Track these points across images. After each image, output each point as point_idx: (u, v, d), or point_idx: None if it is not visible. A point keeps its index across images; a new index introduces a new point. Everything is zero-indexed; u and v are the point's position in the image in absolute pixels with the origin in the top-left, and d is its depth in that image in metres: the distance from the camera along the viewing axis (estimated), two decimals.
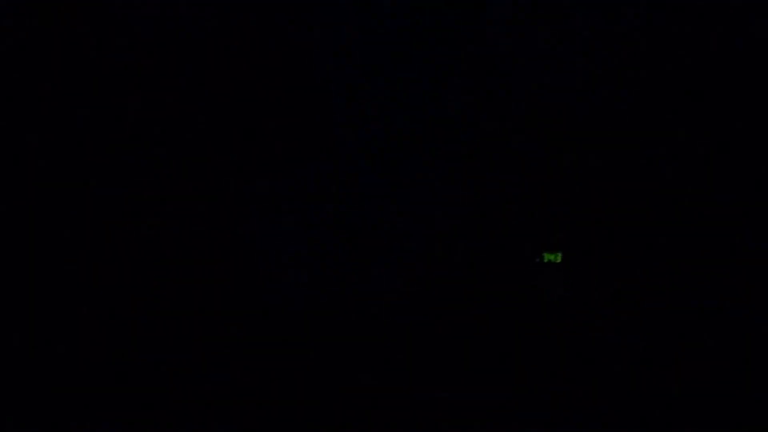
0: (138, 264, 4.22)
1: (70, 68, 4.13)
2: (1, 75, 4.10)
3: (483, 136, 4.11)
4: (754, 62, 4.10)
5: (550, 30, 4.22)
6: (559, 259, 3.99)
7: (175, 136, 4.38)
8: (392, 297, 4.18)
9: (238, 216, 4.49)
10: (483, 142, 4.09)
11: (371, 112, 4.46)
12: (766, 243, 4.07)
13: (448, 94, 4.16)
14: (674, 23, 4.08)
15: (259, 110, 4.52)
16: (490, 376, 3.94)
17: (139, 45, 4.25)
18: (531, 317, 4.04)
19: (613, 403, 3.77)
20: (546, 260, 3.99)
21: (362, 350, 4.09)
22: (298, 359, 4.08)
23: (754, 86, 4.11)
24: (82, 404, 3.80)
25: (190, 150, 4.37)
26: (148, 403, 3.84)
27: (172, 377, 3.98)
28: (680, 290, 4.05)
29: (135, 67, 4.24)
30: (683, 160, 4.06)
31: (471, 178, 4.09)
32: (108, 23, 4.21)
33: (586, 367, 3.95)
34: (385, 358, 4.06)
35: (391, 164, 4.29)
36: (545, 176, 4.06)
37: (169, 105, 4.31)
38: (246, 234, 4.45)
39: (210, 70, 4.40)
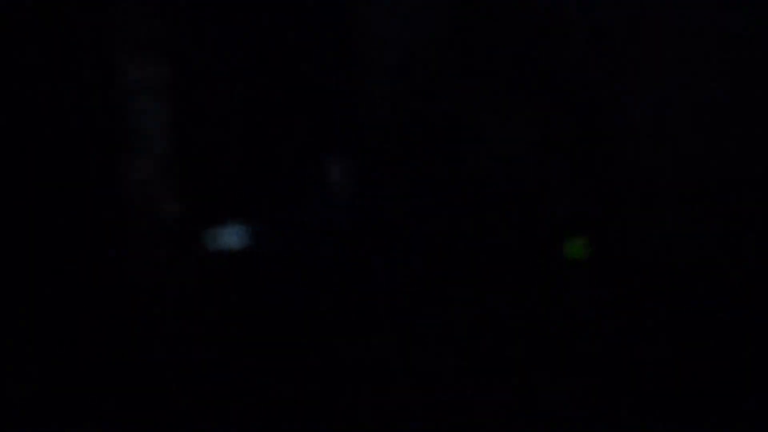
0: (136, 263, 4.20)
1: (67, 65, 4.11)
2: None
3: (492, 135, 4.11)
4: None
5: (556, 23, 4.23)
6: (585, 256, 3.90)
7: (176, 134, 4.37)
8: (393, 297, 4.18)
9: (236, 215, 4.48)
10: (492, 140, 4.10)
11: (371, 110, 4.46)
12: None
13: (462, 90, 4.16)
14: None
15: (259, 109, 4.52)
16: (494, 376, 3.92)
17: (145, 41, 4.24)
18: (544, 316, 4.02)
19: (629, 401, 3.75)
20: (572, 257, 3.91)
21: (362, 350, 4.09)
22: (298, 359, 4.07)
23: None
24: (82, 404, 3.79)
25: (187, 149, 4.36)
26: (148, 403, 3.82)
27: (172, 377, 3.97)
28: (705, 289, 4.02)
29: (142, 63, 4.23)
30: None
31: (475, 173, 4.08)
32: (111, 20, 4.21)
33: (598, 367, 3.93)
34: (385, 358, 4.06)
35: (393, 160, 4.29)
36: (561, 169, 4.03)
37: (174, 103, 4.30)
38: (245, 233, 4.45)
39: (216, 67, 4.40)
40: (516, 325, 4.12)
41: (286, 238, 4.33)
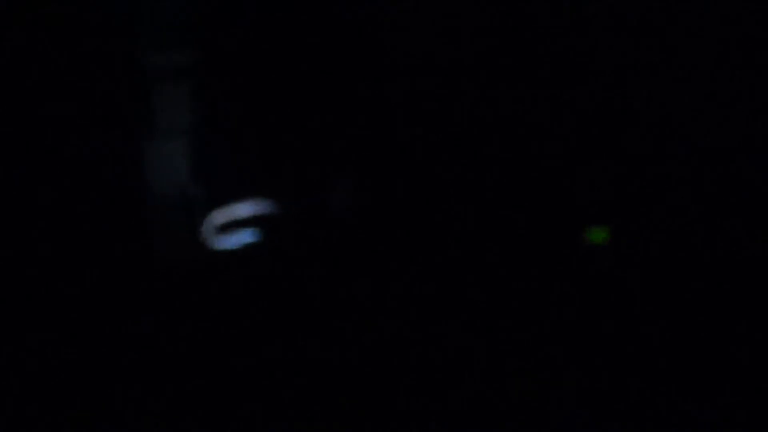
0: (135, 262, 4.22)
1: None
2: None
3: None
4: None
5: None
6: (606, 237, 3.77)
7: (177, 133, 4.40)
8: (395, 296, 4.14)
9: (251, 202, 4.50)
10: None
11: (372, 110, 4.46)
12: None
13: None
14: None
15: (262, 107, 4.54)
16: (497, 377, 3.86)
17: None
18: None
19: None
20: (593, 239, 3.78)
21: (362, 350, 4.05)
22: (299, 358, 4.05)
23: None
24: (81, 404, 3.79)
25: (183, 146, 4.39)
26: (148, 402, 3.82)
27: (171, 377, 3.96)
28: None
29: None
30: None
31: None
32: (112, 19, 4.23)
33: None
34: (386, 358, 4.02)
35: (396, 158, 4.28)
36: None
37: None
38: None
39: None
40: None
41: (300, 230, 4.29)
